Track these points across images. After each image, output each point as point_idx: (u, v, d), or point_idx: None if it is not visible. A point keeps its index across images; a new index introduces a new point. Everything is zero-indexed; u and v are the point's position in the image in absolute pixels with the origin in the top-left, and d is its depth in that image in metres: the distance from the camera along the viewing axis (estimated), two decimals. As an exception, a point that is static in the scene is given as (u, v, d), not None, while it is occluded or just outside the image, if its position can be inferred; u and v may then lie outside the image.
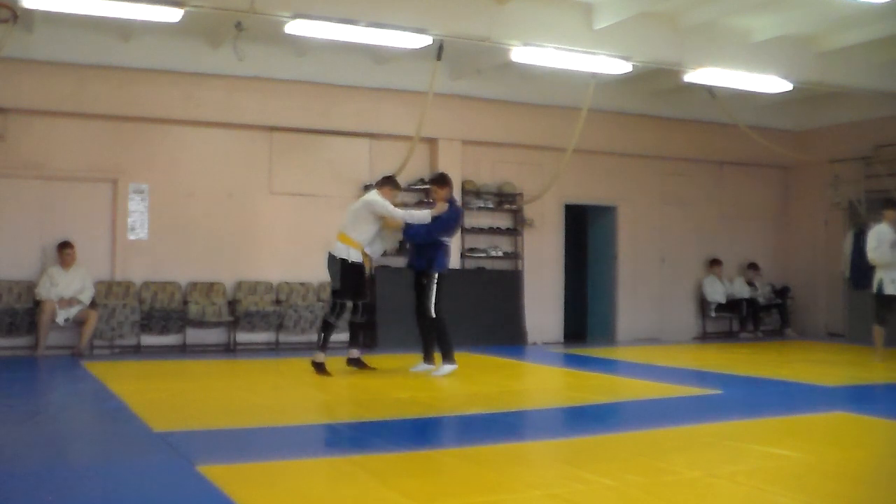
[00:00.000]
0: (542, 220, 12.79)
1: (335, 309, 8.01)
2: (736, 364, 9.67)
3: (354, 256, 7.96)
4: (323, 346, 8.02)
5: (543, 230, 12.85)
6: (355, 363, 8.25)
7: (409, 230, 8.13)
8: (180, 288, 10.81)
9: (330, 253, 8.09)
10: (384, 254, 9.01)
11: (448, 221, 8.18)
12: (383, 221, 8.04)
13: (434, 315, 8.10)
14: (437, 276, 8.08)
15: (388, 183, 8.28)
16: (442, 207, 8.12)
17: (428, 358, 8.28)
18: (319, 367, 7.89)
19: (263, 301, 11.01)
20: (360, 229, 8.00)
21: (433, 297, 8.09)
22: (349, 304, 8.06)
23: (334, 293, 8.06)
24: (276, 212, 11.36)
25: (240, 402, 6.70)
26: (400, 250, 10.89)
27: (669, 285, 13.78)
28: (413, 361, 8.40)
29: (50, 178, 10.37)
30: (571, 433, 5.69)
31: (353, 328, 8.36)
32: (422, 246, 8.16)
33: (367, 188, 11.59)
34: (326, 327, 8.05)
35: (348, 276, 7.96)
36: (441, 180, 8.29)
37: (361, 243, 7.98)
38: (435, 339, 8.19)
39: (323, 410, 6.32)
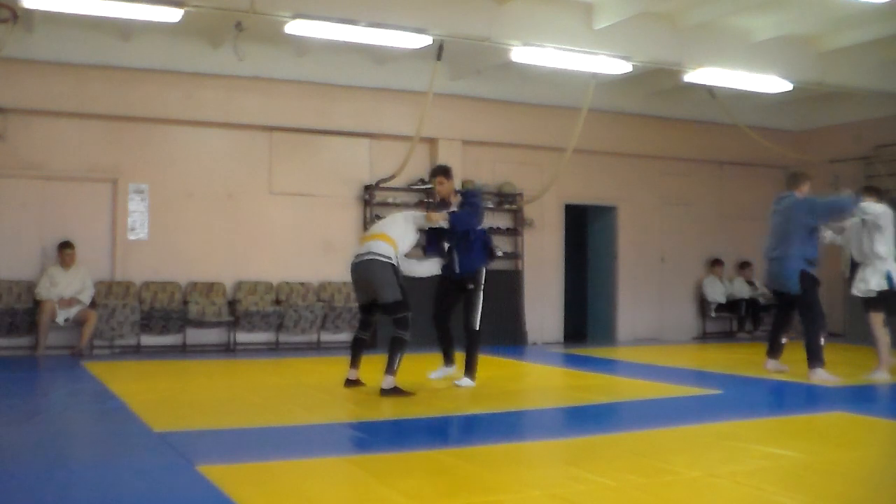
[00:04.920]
0: (542, 220, 12.80)
1: (408, 324, 6.81)
2: (736, 364, 9.67)
3: (396, 260, 6.93)
4: (396, 369, 6.76)
5: (543, 230, 12.85)
6: (353, 384, 7.24)
7: (456, 217, 7.24)
8: (180, 288, 10.81)
9: (374, 257, 6.84)
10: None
11: (480, 205, 7.52)
12: (427, 219, 7.21)
13: (477, 328, 7.37)
14: (484, 277, 7.41)
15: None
16: (456, 200, 7.46)
17: (449, 360, 7.69)
18: (398, 391, 6.74)
19: (263, 301, 11.01)
20: (400, 232, 7.07)
21: (480, 307, 7.36)
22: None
23: (400, 305, 6.84)
24: (276, 212, 11.37)
25: (240, 402, 6.70)
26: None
27: (669, 285, 13.79)
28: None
29: (50, 178, 10.37)
30: (571, 433, 5.68)
31: (358, 344, 7.31)
32: (470, 243, 7.37)
33: (367, 189, 11.64)
34: (402, 346, 6.77)
35: (401, 282, 6.89)
36: (449, 171, 7.60)
37: (401, 251, 7.03)
38: (469, 350, 7.44)
39: (323, 410, 6.31)
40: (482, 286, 7.42)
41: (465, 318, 7.44)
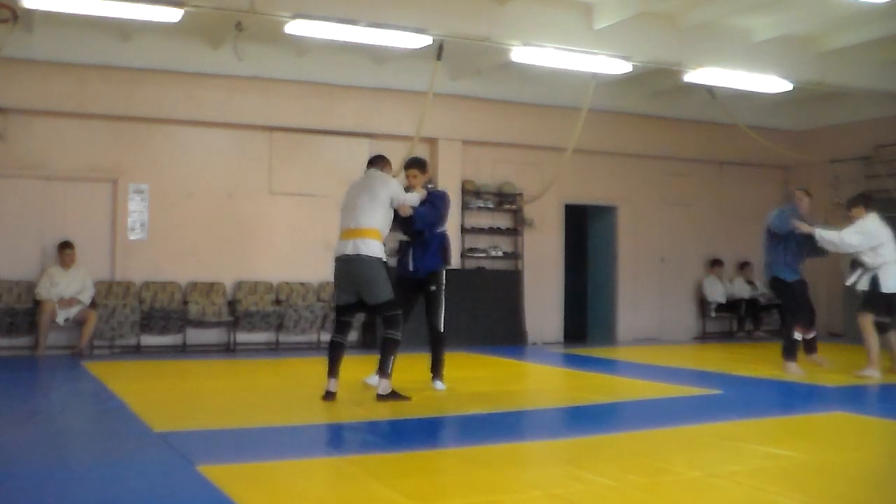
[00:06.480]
0: (542, 220, 12.80)
1: (399, 323, 6.53)
2: (736, 364, 9.66)
3: (384, 255, 6.57)
4: (390, 371, 6.52)
5: (543, 230, 12.86)
6: (333, 396, 6.71)
7: (420, 215, 6.95)
8: (180, 288, 10.81)
9: (365, 257, 6.45)
10: None
11: (441, 208, 7.18)
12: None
13: (442, 330, 7.14)
14: (444, 278, 7.17)
15: (382, 161, 7.05)
16: (423, 193, 7.11)
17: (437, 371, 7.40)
18: (395, 395, 6.47)
19: (263, 301, 11.01)
20: (382, 219, 6.63)
21: (443, 307, 7.12)
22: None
23: (391, 304, 6.52)
24: (276, 212, 11.37)
25: (240, 402, 6.70)
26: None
27: (669, 285, 13.79)
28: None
29: (50, 178, 10.37)
30: (571, 433, 5.68)
31: (337, 350, 6.77)
32: (427, 242, 7.13)
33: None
34: (395, 346, 6.50)
35: (391, 280, 6.55)
36: (425, 165, 7.27)
37: (383, 237, 6.63)
38: (435, 353, 7.23)
39: (323, 410, 6.31)
40: (444, 287, 7.21)
41: (429, 320, 7.18)
